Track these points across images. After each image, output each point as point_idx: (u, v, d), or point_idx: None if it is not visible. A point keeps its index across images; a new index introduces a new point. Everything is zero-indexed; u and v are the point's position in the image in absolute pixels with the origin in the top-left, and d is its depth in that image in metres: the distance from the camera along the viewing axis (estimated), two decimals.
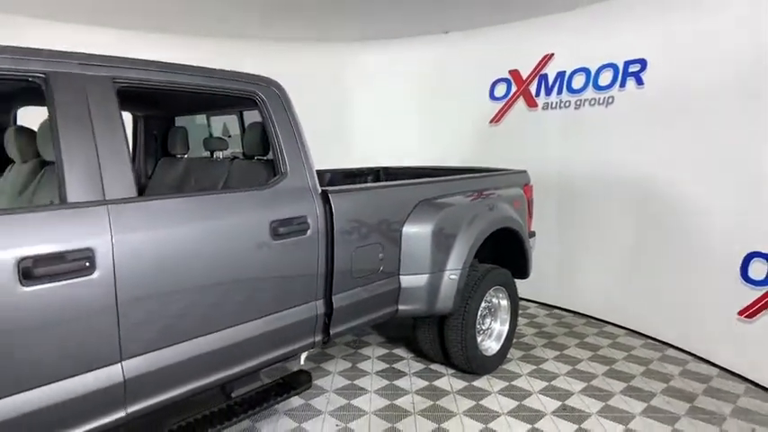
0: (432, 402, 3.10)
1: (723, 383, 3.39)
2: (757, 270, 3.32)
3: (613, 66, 4.37)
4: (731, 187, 3.49)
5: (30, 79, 1.74)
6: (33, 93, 1.80)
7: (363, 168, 4.78)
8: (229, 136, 3.41)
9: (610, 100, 4.42)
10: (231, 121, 3.49)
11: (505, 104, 5.23)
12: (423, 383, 3.35)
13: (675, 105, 3.89)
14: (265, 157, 2.71)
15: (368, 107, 6.03)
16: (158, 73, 2.07)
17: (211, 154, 3.25)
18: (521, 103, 5.11)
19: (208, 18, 4.95)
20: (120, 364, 1.79)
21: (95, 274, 1.69)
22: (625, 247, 4.34)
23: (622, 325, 4.41)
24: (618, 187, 4.34)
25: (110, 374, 1.76)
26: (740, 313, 3.42)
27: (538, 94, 4.97)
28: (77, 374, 1.69)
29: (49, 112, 1.76)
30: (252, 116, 2.90)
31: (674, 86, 3.90)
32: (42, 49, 1.77)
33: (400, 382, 3.35)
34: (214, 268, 2.04)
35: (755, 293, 3.32)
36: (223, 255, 2.07)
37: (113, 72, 1.91)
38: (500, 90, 5.27)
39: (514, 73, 5.14)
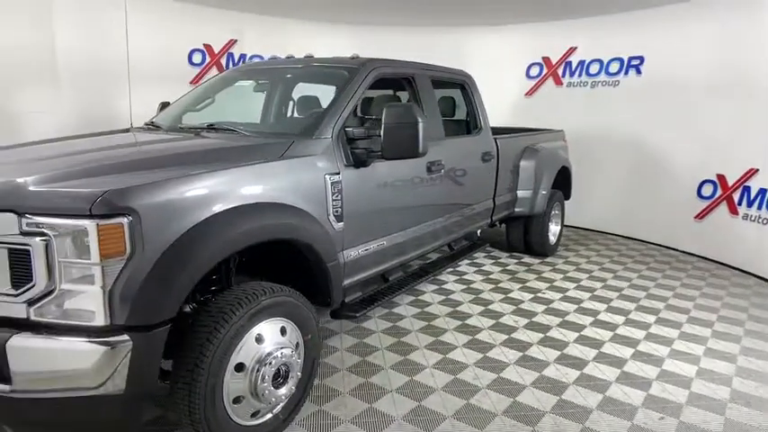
0: (526, 268, 5.21)
1: (685, 258, 5.76)
2: (706, 190, 5.65)
3: (620, 59, 6.48)
4: (692, 141, 5.76)
5: (404, 77, 3.55)
6: (400, 83, 3.61)
7: None
8: None
9: (616, 83, 6.55)
10: None
11: (538, 82, 7.26)
12: (514, 261, 5.45)
13: (662, 90, 6.06)
14: (453, 118, 4.59)
15: None
16: (435, 71, 3.91)
17: None
18: (550, 81, 7.16)
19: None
20: (439, 219, 3.72)
21: (442, 171, 3.58)
22: (622, 181, 6.59)
23: (621, 234, 6.71)
24: (618, 140, 6.53)
25: (435, 221, 3.69)
26: (695, 217, 5.77)
27: (564, 75, 7.03)
28: (436, 218, 3.62)
29: (414, 92, 3.57)
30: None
31: (662, 78, 6.06)
32: (411, 62, 3.59)
33: (502, 261, 5.44)
34: (464, 172, 3.97)
35: (705, 203, 5.67)
36: (466, 166, 4.00)
37: (429, 72, 3.75)
38: (534, 71, 7.29)
39: (546, 59, 7.15)
